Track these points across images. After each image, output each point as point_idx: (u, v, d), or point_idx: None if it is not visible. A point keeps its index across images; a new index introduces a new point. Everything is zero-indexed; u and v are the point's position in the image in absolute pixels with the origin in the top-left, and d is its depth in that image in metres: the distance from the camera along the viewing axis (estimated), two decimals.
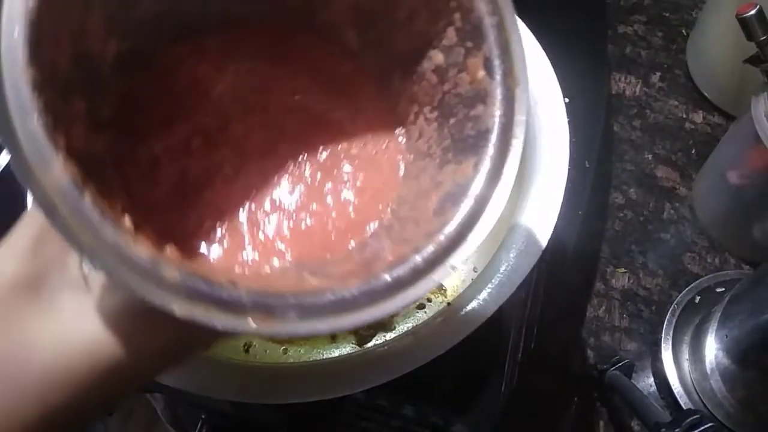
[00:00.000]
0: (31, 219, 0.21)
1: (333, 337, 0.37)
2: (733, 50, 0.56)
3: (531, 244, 0.33)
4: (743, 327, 0.47)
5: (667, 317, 0.54)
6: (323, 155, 0.27)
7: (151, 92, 0.25)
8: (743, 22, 0.45)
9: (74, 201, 0.17)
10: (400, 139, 0.28)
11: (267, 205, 0.25)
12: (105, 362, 0.20)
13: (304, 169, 0.26)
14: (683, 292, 0.56)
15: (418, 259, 0.20)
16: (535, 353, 0.48)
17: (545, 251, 0.33)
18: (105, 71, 0.22)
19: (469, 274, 0.45)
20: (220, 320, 0.18)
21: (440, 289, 0.46)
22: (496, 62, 0.23)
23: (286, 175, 0.26)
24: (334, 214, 0.25)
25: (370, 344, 0.35)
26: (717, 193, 0.57)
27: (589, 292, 0.57)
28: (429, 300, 0.46)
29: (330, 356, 0.35)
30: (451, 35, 0.24)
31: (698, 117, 0.65)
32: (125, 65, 0.24)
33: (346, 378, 0.31)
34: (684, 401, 0.51)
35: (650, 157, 0.63)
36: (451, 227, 0.21)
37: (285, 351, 0.36)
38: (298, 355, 0.36)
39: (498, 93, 0.22)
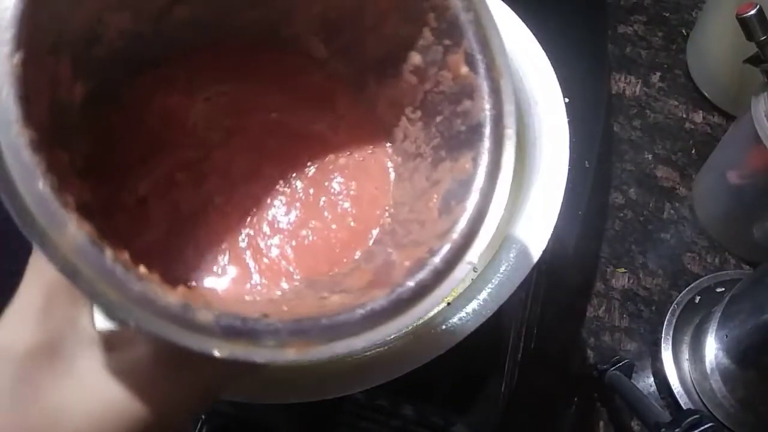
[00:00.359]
0: (34, 281, 0.21)
1: None
2: (733, 50, 0.56)
3: (531, 245, 0.33)
4: (743, 327, 0.47)
5: (667, 317, 0.54)
6: (312, 170, 0.26)
7: (123, 131, 0.25)
8: (743, 22, 0.45)
9: (95, 258, 0.16)
10: (384, 143, 0.27)
11: (266, 228, 0.25)
12: (134, 421, 0.19)
13: (296, 187, 0.26)
14: (683, 292, 0.56)
15: (436, 260, 0.20)
16: (535, 353, 0.48)
17: (545, 251, 0.33)
18: (73, 117, 0.22)
19: (469, 274, 0.45)
20: (260, 355, 0.17)
21: None
22: (478, 57, 0.23)
23: (279, 196, 0.26)
24: (334, 227, 0.25)
25: None
26: (717, 193, 0.57)
27: (589, 292, 0.57)
28: None
29: None
30: (426, 35, 0.24)
31: (698, 117, 0.65)
32: (92, 108, 0.23)
33: (346, 378, 0.31)
34: (684, 401, 0.51)
35: (650, 157, 0.63)
36: (462, 224, 0.21)
37: None
38: None
39: (484, 86, 0.22)
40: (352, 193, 0.26)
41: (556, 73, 0.38)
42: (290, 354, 0.18)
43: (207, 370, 0.21)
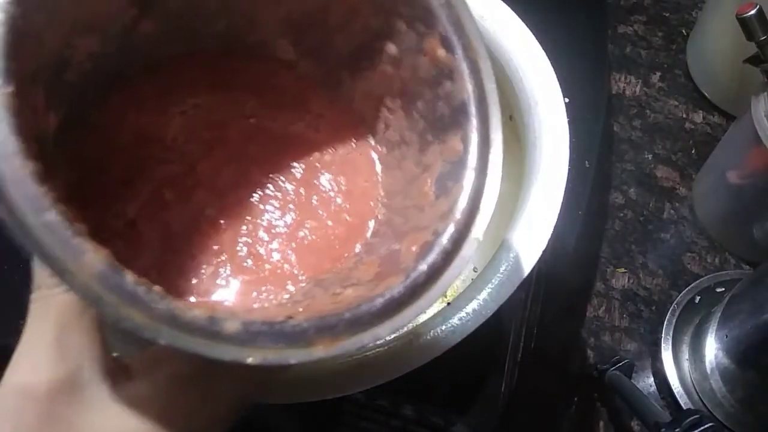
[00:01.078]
0: (42, 315, 0.20)
1: None
2: (733, 50, 0.56)
3: (531, 245, 0.33)
4: (743, 327, 0.47)
5: (667, 317, 0.54)
6: (299, 170, 0.26)
7: (101, 155, 0.24)
8: (743, 22, 0.45)
9: (117, 282, 0.16)
10: (367, 135, 0.27)
11: (262, 235, 0.25)
12: None
13: (286, 189, 0.26)
14: (683, 292, 0.56)
15: (443, 241, 0.20)
16: (535, 353, 0.48)
17: (545, 251, 0.33)
18: (49, 148, 0.21)
19: (469, 274, 0.45)
20: (292, 356, 0.17)
21: None
22: (454, 38, 0.23)
23: (271, 200, 0.26)
24: (331, 224, 0.25)
25: None
26: (717, 193, 0.57)
27: (589, 292, 0.57)
28: None
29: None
30: (399, 24, 0.24)
31: (698, 117, 0.65)
32: (65, 134, 0.22)
33: (346, 378, 0.31)
34: (684, 401, 0.51)
35: (650, 157, 0.63)
36: (462, 203, 0.21)
37: None
38: None
39: (464, 67, 0.22)
40: (342, 188, 0.26)
41: (556, 73, 0.38)
42: (319, 351, 0.18)
43: (234, 381, 0.21)
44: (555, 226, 0.34)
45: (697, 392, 0.51)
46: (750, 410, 0.49)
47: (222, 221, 0.25)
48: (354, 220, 0.25)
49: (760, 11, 0.44)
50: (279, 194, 0.26)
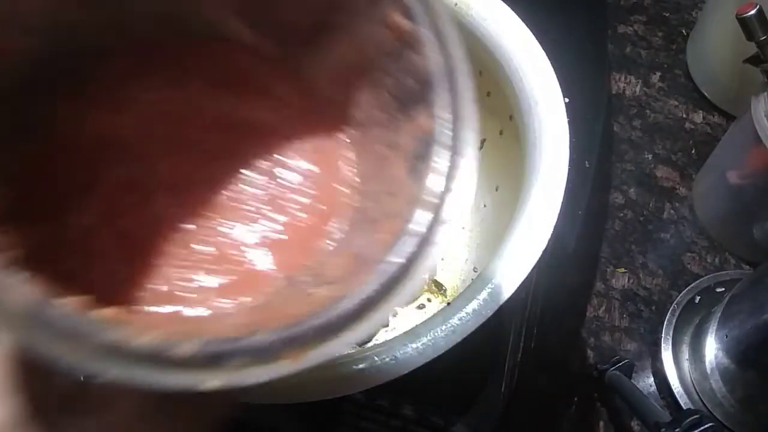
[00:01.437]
0: None
1: None
2: (733, 50, 0.56)
3: (531, 244, 0.33)
4: (743, 327, 0.47)
5: (667, 317, 0.54)
6: (266, 161, 0.24)
7: (54, 165, 0.22)
8: (743, 22, 0.45)
9: (51, 315, 0.14)
10: (335, 118, 0.25)
11: (233, 233, 0.23)
12: None
13: (254, 182, 0.24)
14: (683, 292, 0.56)
15: (416, 228, 0.19)
16: (535, 353, 0.48)
17: (545, 251, 0.33)
18: None
19: (469, 274, 0.45)
20: (257, 374, 0.16)
21: (440, 289, 0.46)
22: (417, 6, 0.21)
23: (238, 196, 0.24)
24: (304, 215, 0.24)
25: (369, 344, 0.35)
26: (717, 193, 0.57)
27: (589, 292, 0.57)
28: (429, 300, 0.46)
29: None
30: None
31: (698, 117, 0.65)
32: (11, 147, 0.21)
33: (346, 378, 0.31)
34: (684, 401, 0.51)
35: (650, 157, 0.63)
36: (433, 185, 0.19)
37: None
38: None
39: (430, 36, 0.21)
40: (314, 176, 0.24)
41: (556, 73, 0.38)
42: (286, 366, 0.16)
43: (207, 401, 0.19)
44: (555, 226, 0.34)
45: (697, 392, 0.51)
46: (750, 410, 0.49)
47: (187, 223, 0.23)
48: (328, 209, 0.24)
49: (760, 11, 0.44)
50: (246, 188, 0.24)
